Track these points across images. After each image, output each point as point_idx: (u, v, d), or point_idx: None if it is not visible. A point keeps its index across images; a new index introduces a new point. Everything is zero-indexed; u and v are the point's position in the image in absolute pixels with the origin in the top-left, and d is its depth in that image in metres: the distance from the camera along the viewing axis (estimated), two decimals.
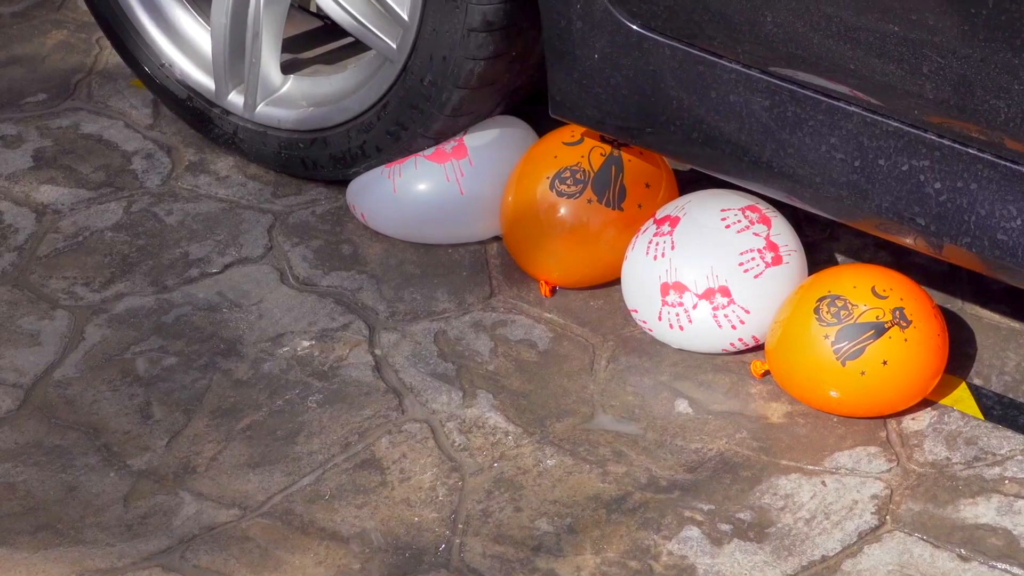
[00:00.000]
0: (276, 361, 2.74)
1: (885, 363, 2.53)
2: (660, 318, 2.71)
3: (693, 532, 2.43)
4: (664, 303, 2.70)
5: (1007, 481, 2.50)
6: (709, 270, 2.67)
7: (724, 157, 2.56)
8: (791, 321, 2.60)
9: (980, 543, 2.41)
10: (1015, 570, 2.37)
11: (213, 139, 3.15)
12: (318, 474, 2.54)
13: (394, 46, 2.86)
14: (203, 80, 3.11)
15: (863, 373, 2.53)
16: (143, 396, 2.68)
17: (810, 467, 2.53)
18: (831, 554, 2.40)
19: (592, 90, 2.62)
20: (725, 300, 2.67)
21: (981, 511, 2.45)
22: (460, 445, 2.58)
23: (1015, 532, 2.42)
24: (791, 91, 2.46)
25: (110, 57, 3.43)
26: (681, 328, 2.70)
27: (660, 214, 2.76)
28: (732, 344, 2.70)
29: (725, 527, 2.44)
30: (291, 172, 3.08)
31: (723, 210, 2.72)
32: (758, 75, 2.47)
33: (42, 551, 2.43)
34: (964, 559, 2.39)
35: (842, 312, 2.54)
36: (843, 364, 2.53)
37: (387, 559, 2.41)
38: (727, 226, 2.70)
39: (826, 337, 2.54)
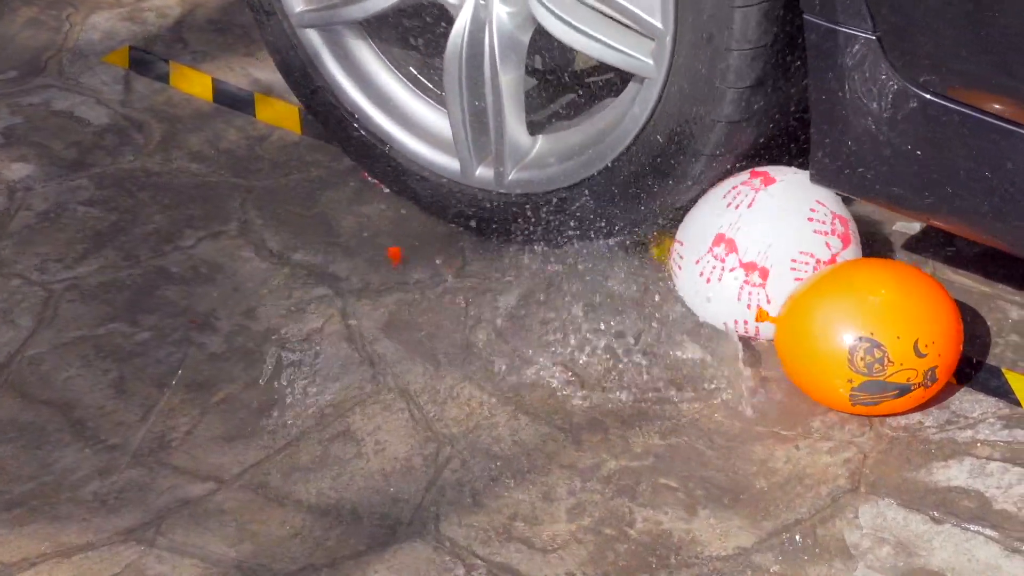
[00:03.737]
0: (250, 334, 2.74)
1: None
2: (698, 261, 2.67)
3: (668, 498, 2.44)
4: (710, 250, 2.66)
5: (979, 444, 2.51)
6: (767, 247, 2.63)
7: (1019, 231, 2.41)
8: (819, 337, 2.50)
9: (953, 505, 2.42)
10: (988, 531, 2.38)
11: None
12: (294, 446, 2.54)
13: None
14: None
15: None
16: (117, 371, 2.68)
17: (784, 432, 2.54)
18: (805, 518, 2.41)
19: (863, 157, 2.46)
20: (759, 280, 2.63)
21: (954, 474, 2.47)
22: (435, 415, 2.58)
23: (987, 494, 2.43)
24: None
25: (80, 34, 3.42)
26: (708, 280, 2.66)
27: (762, 167, 2.70)
28: (736, 322, 2.68)
29: (699, 492, 2.45)
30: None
31: (818, 201, 2.65)
32: None
33: (17, 528, 2.42)
34: (937, 521, 2.40)
35: (875, 366, 2.46)
36: (853, 405, 2.52)
37: (363, 529, 2.41)
38: (809, 219, 2.64)
39: (850, 381, 2.48)
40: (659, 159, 2.64)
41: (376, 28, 2.92)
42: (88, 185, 3.05)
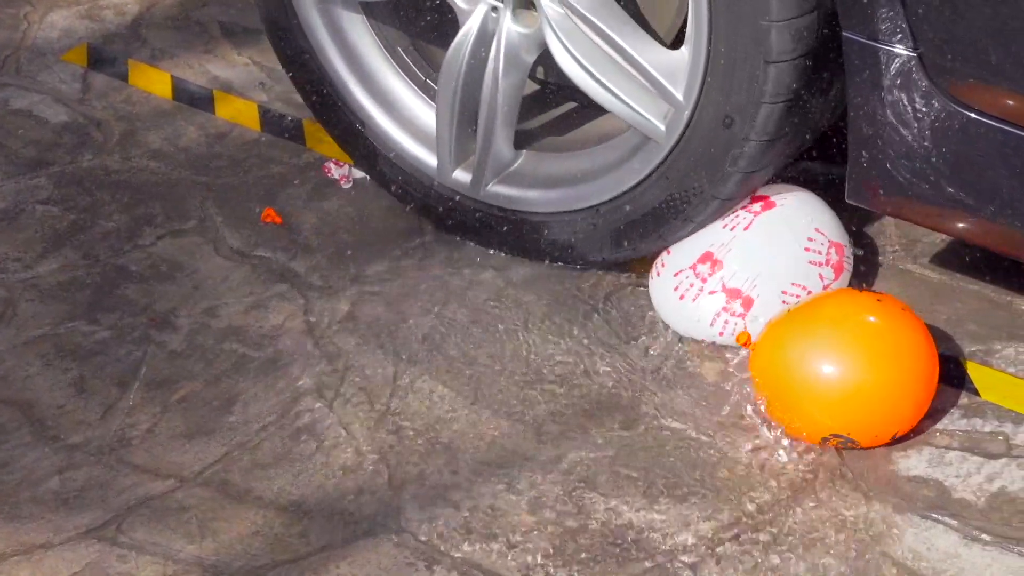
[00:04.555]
0: (211, 332, 2.73)
1: None
2: (676, 275, 2.62)
3: (629, 489, 2.45)
4: (692, 267, 2.60)
5: (938, 433, 2.52)
6: (756, 276, 2.57)
7: None
8: (795, 419, 2.46)
9: (912, 494, 2.43)
10: (947, 520, 2.39)
11: None
12: (255, 443, 2.54)
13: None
14: None
15: None
16: (77, 370, 2.67)
17: (744, 422, 2.54)
18: (765, 507, 2.42)
19: (902, 176, 2.39)
20: (740, 310, 2.57)
21: (913, 463, 2.48)
22: (396, 410, 2.58)
23: (946, 483, 2.45)
24: None
25: (38, 32, 3.41)
26: (682, 297, 2.61)
27: (763, 190, 2.61)
28: (704, 339, 2.65)
29: (660, 483, 2.45)
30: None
31: (817, 230, 2.60)
32: None
33: None
34: (897, 510, 2.41)
35: (844, 449, 2.47)
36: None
37: (324, 526, 2.41)
38: (806, 248, 2.58)
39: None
40: (649, 217, 2.62)
41: (373, 5, 2.86)
42: (47, 184, 3.05)
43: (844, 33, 2.35)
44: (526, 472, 2.48)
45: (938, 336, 2.67)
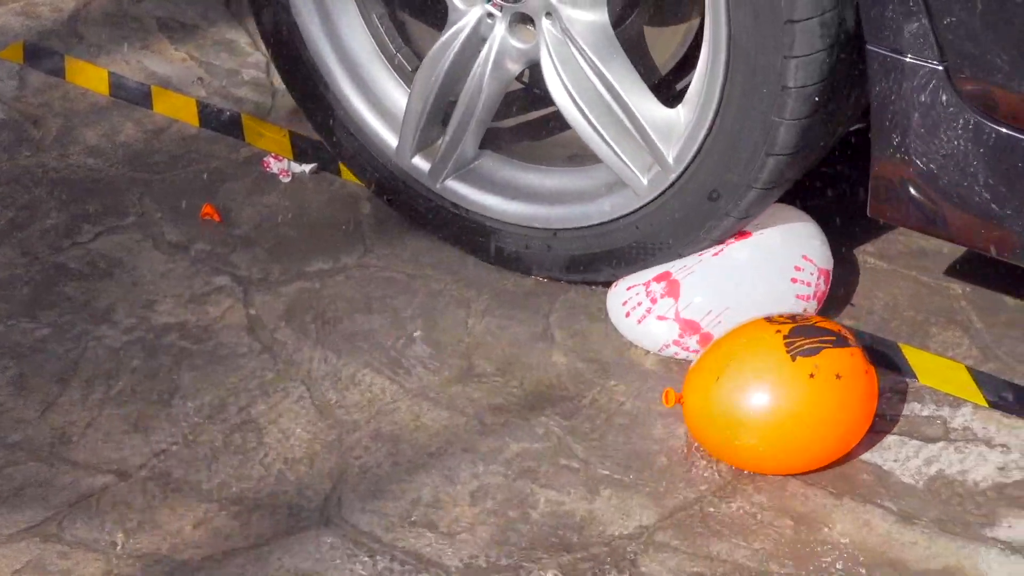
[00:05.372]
0: (150, 327, 2.72)
1: None
2: (629, 289, 2.54)
3: (570, 479, 2.45)
4: (645, 285, 2.49)
5: (877, 418, 2.53)
6: (721, 309, 2.43)
7: None
8: (732, 461, 2.44)
9: (851, 479, 2.45)
10: (887, 503, 2.41)
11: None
12: (195, 437, 2.53)
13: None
14: None
15: None
16: (16, 368, 2.65)
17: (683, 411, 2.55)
18: (706, 495, 2.43)
19: (927, 191, 2.34)
20: (695, 346, 2.45)
21: (851, 448, 2.49)
22: (336, 402, 2.58)
23: (885, 467, 2.46)
24: None
25: None
26: (628, 315, 2.53)
27: None
28: (646, 348, 2.59)
29: (602, 472, 2.46)
30: None
31: (805, 257, 2.48)
32: None
33: None
34: (836, 495, 2.42)
35: None
36: None
37: (266, 518, 2.41)
38: (792, 279, 2.45)
39: None
40: (609, 254, 2.60)
41: None
42: None
43: (868, 46, 2.30)
44: (467, 463, 2.48)
45: (877, 321, 2.69)
